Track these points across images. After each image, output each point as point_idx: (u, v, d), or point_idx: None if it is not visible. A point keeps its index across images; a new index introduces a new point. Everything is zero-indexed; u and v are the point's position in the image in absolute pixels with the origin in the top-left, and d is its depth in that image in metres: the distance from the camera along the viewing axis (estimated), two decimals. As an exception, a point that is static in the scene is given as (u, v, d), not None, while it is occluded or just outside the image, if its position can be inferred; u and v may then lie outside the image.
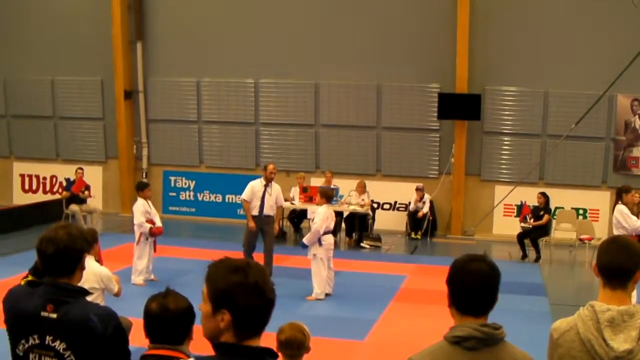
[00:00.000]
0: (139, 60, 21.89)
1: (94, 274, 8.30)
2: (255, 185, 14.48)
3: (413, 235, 19.82)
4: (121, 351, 3.98)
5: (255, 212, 14.39)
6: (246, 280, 2.93)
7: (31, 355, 3.94)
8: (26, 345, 3.93)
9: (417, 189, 19.70)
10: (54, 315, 3.88)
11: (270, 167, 14.58)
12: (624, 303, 3.73)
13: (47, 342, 3.88)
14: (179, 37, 21.53)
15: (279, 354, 5.85)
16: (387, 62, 20.28)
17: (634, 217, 12.72)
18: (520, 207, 19.09)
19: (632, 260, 3.77)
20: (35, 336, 3.90)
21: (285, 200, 16.54)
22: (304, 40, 20.75)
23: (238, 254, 13.22)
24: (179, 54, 21.57)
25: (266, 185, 14.40)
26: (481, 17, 19.47)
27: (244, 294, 2.91)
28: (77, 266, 4.00)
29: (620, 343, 3.61)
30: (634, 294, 3.93)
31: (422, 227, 19.81)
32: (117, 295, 8.69)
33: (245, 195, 14.57)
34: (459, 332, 3.42)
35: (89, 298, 8.35)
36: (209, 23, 21.22)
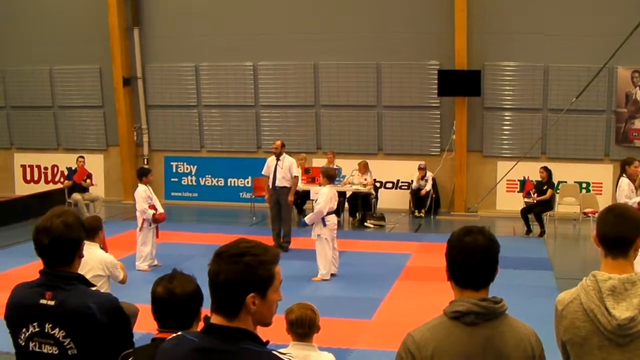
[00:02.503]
0: (137, 46, 21.80)
1: (99, 261, 8.29)
2: (270, 161, 15.75)
3: (417, 214, 19.82)
4: (122, 337, 3.96)
5: (270, 185, 15.61)
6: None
7: (31, 344, 3.89)
8: (27, 334, 3.89)
9: (420, 168, 19.68)
10: (52, 303, 3.84)
11: (275, 143, 15.91)
12: (626, 271, 3.73)
13: (46, 330, 3.85)
14: (176, 22, 21.43)
15: (290, 334, 5.86)
16: (385, 41, 20.19)
17: (629, 198, 12.67)
18: (524, 183, 19.06)
19: (631, 229, 3.78)
20: (35, 324, 3.86)
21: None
22: (301, 21, 20.65)
23: (244, 237, 13.22)
24: (177, 39, 21.47)
25: (277, 159, 15.50)
26: (479, -7, 19.40)
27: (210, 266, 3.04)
28: (75, 255, 3.95)
29: (622, 311, 3.61)
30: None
31: (425, 204, 19.80)
32: (122, 282, 8.68)
33: (263, 171, 15.92)
34: (458, 307, 3.40)
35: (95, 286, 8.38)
36: (206, 7, 21.10)
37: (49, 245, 3.86)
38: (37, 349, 3.89)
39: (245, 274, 2.95)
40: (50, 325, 3.85)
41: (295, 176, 15.71)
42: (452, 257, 3.47)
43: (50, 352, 3.87)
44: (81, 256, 4.01)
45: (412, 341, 3.41)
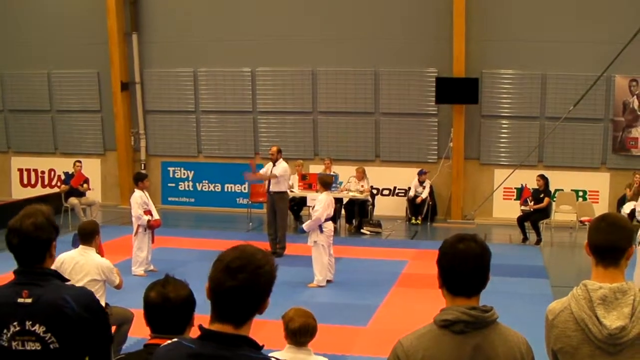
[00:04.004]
0: (135, 51, 21.81)
1: (95, 265, 8.30)
2: (267, 166, 15.81)
3: (413, 221, 19.80)
4: (99, 330, 4.01)
5: (265, 190, 15.96)
6: (217, 264, 3.01)
7: (14, 344, 3.93)
8: (8, 334, 3.92)
9: (422, 173, 19.63)
10: (29, 300, 3.90)
11: (271, 149, 15.79)
12: (617, 280, 3.73)
13: (27, 328, 3.90)
14: (175, 27, 21.45)
15: (288, 341, 5.85)
16: (383, 48, 20.21)
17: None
18: (521, 190, 19.08)
19: (623, 237, 3.78)
20: (16, 323, 3.91)
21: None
22: (300, 27, 20.67)
23: (241, 243, 13.26)
24: (175, 44, 21.49)
25: (273, 165, 15.51)
26: (477, 0, 19.40)
27: (213, 278, 3.00)
28: (46, 254, 4.01)
29: (613, 320, 3.61)
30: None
31: (422, 212, 19.79)
32: (118, 287, 8.67)
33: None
34: (447, 316, 3.40)
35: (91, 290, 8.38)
36: (204, 12, 21.13)
37: (19, 245, 3.96)
38: (20, 347, 3.93)
39: (265, 285, 3.01)
40: (30, 322, 3.89)
41: (272, 172, 15.44)
42: (444, 264, 3.48)
43: (34, 348, 3.91)
44: (52, 255, 4.09)
45: (401, 349, 3.42)
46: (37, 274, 3.96)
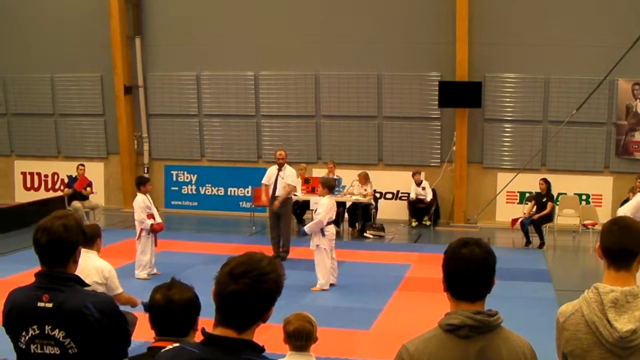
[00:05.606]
0: (138, 55, 21.82)
1: (95, 268, 8.24)
2: (271, 170, 15.63)
3: (413, 224, 19.79)
4: (119, 334, 4.02)
5: (271, 195, 15.51)
6: (223, 268, 3.02)
7: (32, 347, 3.95)
8: (27, 337, 3.94)
9: (415, 174, 19.64)
10: (50, 305, 3.90)
11: (277, 153, 15.69)
12: (628, 284, 3.73)
13: (46, 332, 3.91)
14: (178, 31, 21.46)
15: (287, 345, 5.86)
16: (386, 52, 20.22)
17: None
18: (523, 197, 19.13)
19: (635, 241, 3.77)
20: (35, 327, 3.92)
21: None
22: (303, 31, 20.68)
23: (244, 246, 13.22)
24: (178, 48, 21.50)
25: (279, 170, 15.37)
26: (480, 4, 19.39)
27: (217, 281, 3.01)
28: (71, 258, 4.01)
29: (624, 323, 3.61)
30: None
31: (429, 212, 19.76)
32: (119, 300, 8.18)
33: (263, 179, 15.75)
34: (452, 320, 3.40)
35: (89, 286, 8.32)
36: (208, 16, 21.14)
37: (46, 244, 3.94)
38: (38, 351, 3.95)
39: (268, 293, 3.01)
40: (50, 327, 3.91)
41: (289, 184, 15.43)
42: (448, 268, 3.48)
43: (52, 352, 3.93)
44: (76, 261, 4.08)
45: (406, 353, 3.42)
46: (59, 278, 3.96)
